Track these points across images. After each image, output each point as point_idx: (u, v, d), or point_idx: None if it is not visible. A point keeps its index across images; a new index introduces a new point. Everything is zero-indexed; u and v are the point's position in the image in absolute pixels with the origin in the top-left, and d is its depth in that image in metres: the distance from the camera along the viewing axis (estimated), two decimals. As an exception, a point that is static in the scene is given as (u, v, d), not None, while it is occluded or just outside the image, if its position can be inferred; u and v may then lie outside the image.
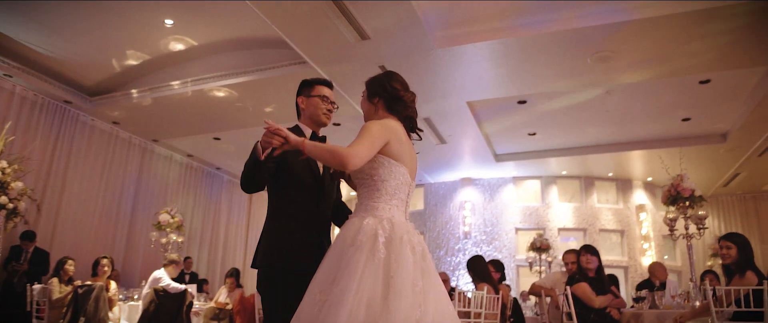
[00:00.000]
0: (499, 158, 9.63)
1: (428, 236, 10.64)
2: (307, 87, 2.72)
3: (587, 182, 10.59)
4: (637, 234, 10.37)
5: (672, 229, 4.96)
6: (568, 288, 4.13)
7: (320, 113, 2.61)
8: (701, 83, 6.82)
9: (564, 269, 5.05)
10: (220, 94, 6.90)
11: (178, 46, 6.76)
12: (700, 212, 4.73)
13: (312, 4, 4.95)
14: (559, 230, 10.14)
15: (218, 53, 6.69)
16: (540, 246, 8.11)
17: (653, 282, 5.67)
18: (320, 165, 2.54)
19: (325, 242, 2.51)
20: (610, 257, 10.01)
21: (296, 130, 2.63)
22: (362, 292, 1.83)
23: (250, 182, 2.34)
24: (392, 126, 2.15)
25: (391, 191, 2.13)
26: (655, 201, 10.91)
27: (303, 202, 2.46)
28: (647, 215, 10.50)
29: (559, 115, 7.96)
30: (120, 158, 8.25)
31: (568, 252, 4.91)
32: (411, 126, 2.28)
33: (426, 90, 6.75)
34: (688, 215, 4.80)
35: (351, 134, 7.65)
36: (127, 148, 8.40)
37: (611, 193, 10.74)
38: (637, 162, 9.99)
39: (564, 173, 10.49)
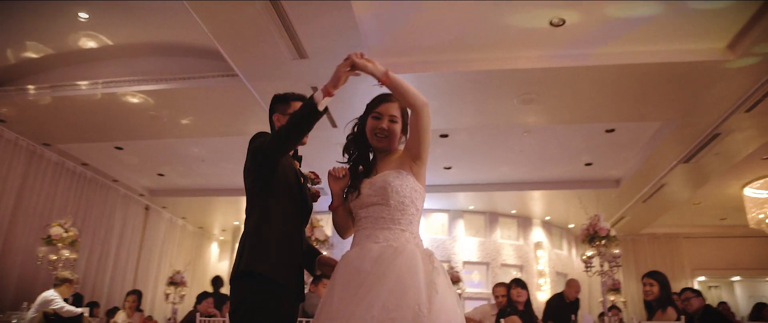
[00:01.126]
0: (412, 189, 9.73)
1: (336, 264, 10.44)
2: (282, 103, 2.58)
3: (492, 218, 11.01)
4: (534, 270, 10.91)
5: (588, 266, 5.25)
6: (502, 320, 4.20)
7: None
8: (607, 131, 7.40)
9: (493, 301, 5.14)
10: (134, 100, 6.37)
11: (90, 44, 6.19)
12: (614, 251, 5.05)
13: (254, 14, 4.74)
14: (464, 263, 10.40)
15: (137, 56, 6.21)
16: (451, 279, 8.24)
17: (567, 296, 5.97)
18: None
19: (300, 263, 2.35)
20: (509, 291, 10.41)
21: (258, 134, 2.48)
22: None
23: (297, 136, 2.16)
24: None
25: (419, 219, 2.14)
26: (552, 239, 11.59)
27: (292, 213, 2.34)
28: (544, 252, 11.09)
29: (476, 151, 8.24)
30: (1, 160, 7.30)
31: (498, 286, 5.03)
32: None
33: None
34: (601, 253, 5.11)
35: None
36: (11, 150, 7.45)
37: (513, 229, 11.26)
38: (538, 201, 10.58)
39: (471, 208, 10.84)
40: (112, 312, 7.09)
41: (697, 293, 4.69)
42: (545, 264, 10.98)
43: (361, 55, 2.07)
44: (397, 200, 2.02)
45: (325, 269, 2.45)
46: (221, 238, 13.24)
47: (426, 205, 8.99)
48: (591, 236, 5.13)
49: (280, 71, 5.68)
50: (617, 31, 5.16)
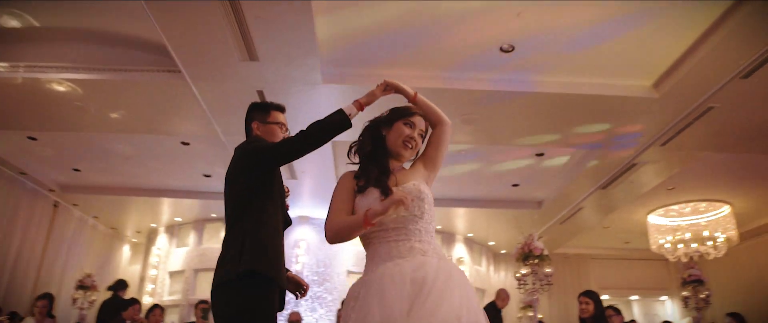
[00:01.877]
0: (343, 200, 9.70)
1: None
2: (261, 112, 2.63)
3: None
4: (455, 285, 11.17)
5: (522, 284, 5.47)
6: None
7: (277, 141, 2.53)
8: (537, 155, 7.79)
9: None
10: (61, 88, 5.91)
11: (13, 23, 5.68)
12: (546, 270, 5.31)
13: (209, 10, 4.57)
14: (389, 276, 10.47)
15: (68, 41, 5.76)
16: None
17: (497, 304, 6.20)
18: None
19: None
20: (431, 305, 10.59)
21: (253, 138, 2.59)
22: None
23: (319, 143, 2.27)
24: None
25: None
26: (473, 255, 11.95)
27: (279, 216, 2.41)
28: (465, 267, 11.41)
29: (411, 166, 8.36)
30: None
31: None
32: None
33: (297, 123, 6.55)
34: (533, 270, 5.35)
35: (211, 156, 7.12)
36: None
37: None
38: (462, 218, 10.88)
39: (399, 221, 10.94)
40: (14, 316, 6.47)
41: (618, 311, 5.02)
42: (466, 280, 11.29)
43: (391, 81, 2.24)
44: (430, 213, 2.03)
45: (290, 286, 2.45)
46: (134, 240, 12.51)
47: None
48: (525, 255, 5.36)
49: (226, 72, 5.50)
50: (560, 61, 5.46)
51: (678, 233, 9.51)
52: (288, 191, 2.61)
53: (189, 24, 4.76)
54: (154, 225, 11.48)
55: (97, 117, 6.57)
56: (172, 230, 11.27)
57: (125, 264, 12.24)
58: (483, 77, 5.73)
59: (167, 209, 10.52)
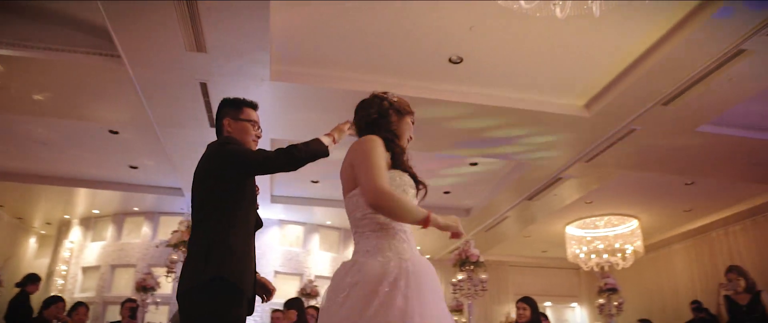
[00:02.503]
0: (274, 199, 9.57)
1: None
2: (233, 108, 2.54)
3: (346, 235, 11.21)
4: (381, 288, 11.30)
5: (457, 289, 5.64)
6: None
7: (249, 139, 2.50)
8: (471, 164, 8.05)
9: None
10: (-21, 64, 5.44)
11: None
12: (482, 276, 5.51)
13: (161, -5, 4.39)
14: (316, 277, 10.40)
15: (-8, 14, 5.31)
16: (310, 292, 8.22)
17: None
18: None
19: None
20: (357, 307, 10.64)
21: (225, 138, 2.49)
22: None
23: (300, 165, 2.27)
24: None
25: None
26: (398, 259, 12.13)
27: (250, 221, 2.35)
28: (391, 271, 11.57)
29: (348, 168, 8.38)
30: None
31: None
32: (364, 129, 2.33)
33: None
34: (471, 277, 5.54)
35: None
36: None
37: (365, 247, 11.55)
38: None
39: (328, 223, 10.93)
40: None
41: (546, 316, 5.30)
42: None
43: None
44: None
45: (258, 290, 2.40)
46: (42, 232, 11.65)
47: (283, 216, 8.96)
48: (462, 261, 5.53)
49: (169, 61, 5.29)
50: (504, 76, 5.70)
51: (592, 244, 10.15)
52: (258, 189, 2.56)
53: (136, 8, 4.54)
54: (67, 217, 10.75)
55: (18, 97, 6.10)
56: (88, 222, 10.60)
57: (31, 257, 11.37)
58: (429, 86, 5.86)
59: (83, 200, 9.89)
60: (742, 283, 4.79)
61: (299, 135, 6.86)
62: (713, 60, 5.01)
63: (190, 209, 2.38)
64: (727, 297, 4.87)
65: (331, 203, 9.68)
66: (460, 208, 10.15)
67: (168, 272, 5.53)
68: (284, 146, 2.27)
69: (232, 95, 5.83)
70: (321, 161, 8.73)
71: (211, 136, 7.06)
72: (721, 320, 5.02)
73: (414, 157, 7.01)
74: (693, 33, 4.71)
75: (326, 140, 2.39)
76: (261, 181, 8.26)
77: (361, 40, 5.25)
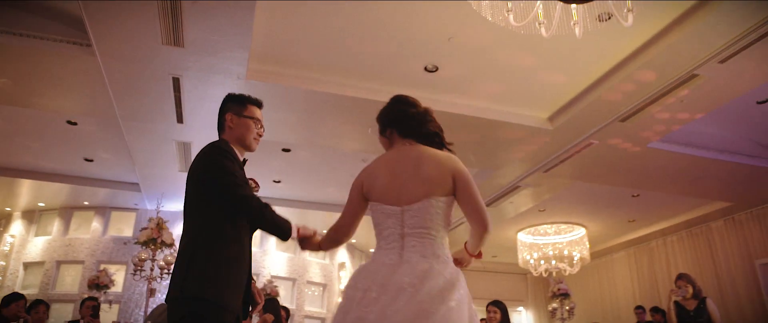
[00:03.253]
0: (235, 197, 9.44)
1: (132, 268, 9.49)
2: (237, 104, 2.49)
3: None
4: (336, 289, 11.34)
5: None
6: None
7: (251, 137, 2.46)
8: (433, 170, 8.24)
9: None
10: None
11: None
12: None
13: (143, -12, 4.33)
14: (272, 277, 10.33)
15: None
16: (270, 293, 8.16)
17: None
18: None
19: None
20: (311, 308, 10.65)
21: (225, 145, 2.37)
22: None
23: (259, 224, 2.26)
24: (371, 165, 2.29)
25: (380, 235, 2.17)
26: (353, 261, 12.21)
27: (245, 234, 2.28)
28: (346, 272, 11.63)
29: (312, 170, 8.41)
30: None
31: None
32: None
33: (212, 115, 6.36)
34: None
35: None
36: None
37: (322, 248, 11.57)
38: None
39: (288, 222, 10.88)
40: None
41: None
42: (340, 283, 11.54)
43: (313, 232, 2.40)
44: None
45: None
46: (-22, 225, 11.00)
47: None
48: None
49: (144, 53, 5.19)
50: (477, 86, 5.90)
51: (543, 251, 10.57)
52: (257, 185, 2.58)
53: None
54: (8, 209, 10.21)
55: (-28, 83, 5.81)
56: (32, 216, 10.12)
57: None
58: (402, 92, 5.97)
59: (27, 191, 9.44)
60: (690, 290, 5.18)
61: (270, 134, 6.84)
62: (669, 83, 5.38)
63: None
64: (676, 303, 5.25)
65: (291, 203, 9.66)
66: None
67: (136, 270, 5.38)
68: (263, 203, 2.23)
69: (204, 90, 5.85)
70: (287, 160, 8.80)
71: (177, 132, 6.98)
72: (669, 324, 5.40)
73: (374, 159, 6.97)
74: (654, 57, 5.05)
75: (294, 234, 2.33)
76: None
77: (340, 45, 5.31)
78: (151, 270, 5.32)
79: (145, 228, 5.52)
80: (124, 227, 9.90)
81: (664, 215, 9.99)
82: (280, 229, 2.26)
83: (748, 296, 8.65)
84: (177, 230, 9.50)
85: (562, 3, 3.34)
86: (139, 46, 5.08)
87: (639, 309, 8.46)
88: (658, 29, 4.87)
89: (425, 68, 5.62)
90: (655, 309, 7.76)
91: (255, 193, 2.65)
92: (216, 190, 2.19)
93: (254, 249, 10.04)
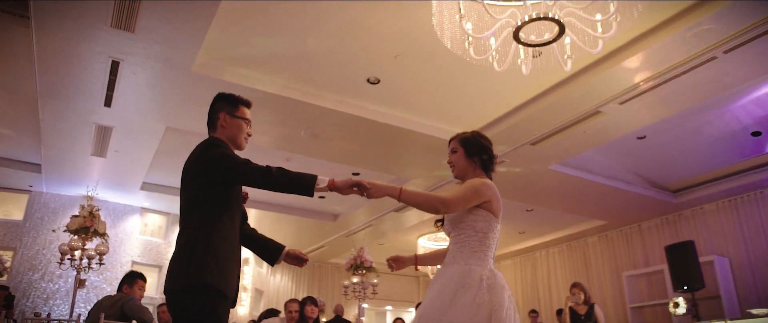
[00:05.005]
0: (144, 186, 9.14)
1: (22, 254, 8.81)
2: (229, 104, 2.61)
3: (210, 229, 11.01)
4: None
5: (347, 292, 6.09)
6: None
7: (242, 136, 2.59)
8: (353, 174, 8.59)
9: (283, 315, 5.45)
10: None
11: None
12: (374, 280, 6.05)
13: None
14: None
15: None
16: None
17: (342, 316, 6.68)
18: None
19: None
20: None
21: (215, 139, 2.51)
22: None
23: (277, 189, 2.25)
24: (494, 187, 2.51)
25: (489, 244, 2.49)
26: (259, 259, 12.18)
27: (236, 222, 2.42)
28: (249, 268, 11.60)
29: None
30: None
31: (290, 301, 5.38)
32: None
33: (144, 101, 6.24)
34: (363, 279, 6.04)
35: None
36: None
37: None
38: (259, 221, 11.08)
39: (194, 215, 10.65)
40: None
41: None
42: (249, 281, 11.48)
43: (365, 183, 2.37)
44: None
45: (289, 260, 2.63)
46: None
47: (146, 204, 8.99)
48: (356, 266, 6.02)
49: (85, 33, 5.04)
50: (414, 101, 6.35)
51: (442, 256, 11.30)
52: (247, 195, 2.69)
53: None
54: None
55: None
56: None
57: None
58: (343, 100, 6.29)
59: None
60: (582, 297, 6.01)
61: (197, 126, 6.78)
62: (578, 115, 6.19)
63: (179, 208, 2.43)
64: (570, 308, 6.05)
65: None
66: (330, 213, 10.63)
67: (63, 258, 5.08)
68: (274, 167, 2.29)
69: (144, 77, 5.77)
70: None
71: (102, 115, 6.78)
72: (563, 326, 6.21)
73: (304, 160, 7.51)
74: (568, 92, 5.81)
75: (321, 183, 2.32)
76: (140, 166, 7.93)
77: (290, 49, 5.47)
78: (81, 260, 5.06)
79: (76, 216, 5.25)
80: (14, 209, 9.16)
81: (549, 229, 11.14)
82: (301, 184, 2.28)
83: (615, 303, 9.96)
84: (67, 216, 8.99)
85: (516, 43, 3.85)
86: (83, 26, 4.93)
87: (533, 313, 9.40)
88: (578, 69, 5.59)
89: (368, 80, 5.96)
90: (559, 310, 8.74)
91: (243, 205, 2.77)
92: (221, 173, 2.28)
93: (157, 239, 9.81)
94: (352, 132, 6.85)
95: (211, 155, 2.36)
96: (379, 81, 5.98)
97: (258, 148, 7.68)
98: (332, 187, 2.35)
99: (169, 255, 9.69)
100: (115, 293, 4.66)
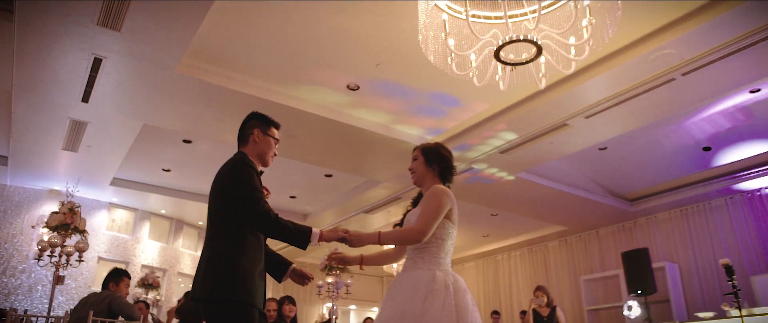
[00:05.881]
0: (114, 181, 9.05)
1: (-18, 247, 8.62)
2: (262, 123, 2.83)
3: (178, 226, 10.96)
4: (205, 282, 11.27)
5: (321, 292, 6.25)
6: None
7: (270, 154, 2.82)
8: (326, 175, 8.77)
9: None
10: None
11: None
12: (347, 280, 6.22)
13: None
14: (142, 266, 10.02)
15: None
16: (152, 283, 8.00)
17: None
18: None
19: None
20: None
21: (245, 157, 2.68)
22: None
23: (273, 237, 2.43)
24: (452, 195, 2.66)
25: (447, 249, 2.66)
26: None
27: (260, 236, 2.57)
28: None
29: (209, 162, 8.42)
30: None
31: (269, 300, 5.49)
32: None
33: (124, 99, 6.24)
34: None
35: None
36: None
37: (194, 240, 11.40)
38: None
39: (163, 211, 10.59)
40: None
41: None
42: (216, 278, 11.49)
43: (349, 233, 2.56)
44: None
45: (294, 277, 2.80)
46: None
47: (115, 199, 9.01)
48: (330, 266, 6.18)
49: (72, 31, 5.05)
50: (385, 106, 6.55)
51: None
52: (268, 192, 2.83)
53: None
54: None
55: None
56: None
57: None
58: (323, 105, 6.45)
59: None
60: (545, 299, 6.35)
61: (177, 124, 6.82)
62: (546, 127, 6.53)
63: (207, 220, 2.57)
64: (534, 310, 6.38)
65: (177, 193, 9.52)
66: (300, 213, 10.75)
67: (41, 253, 5.04)
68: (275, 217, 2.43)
69: (126, 75, 5.78)
70: (186, 150, 8.82)
71: (78, 110, 6.74)
72: (527, 326, 6.54)
73: (280, 161, 7.68)
74: (537, 106, 6.12)
75: (314, 239, 2.46)
76: (113, 161, 7.87)
77: (273, 53, 5.58)
78: (60, 256, 5.04)
79: (55, 212, 5.22)
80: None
81: (512, 234, 11.55)
82: (295, 239, 2.44)
83: (572, 306, 10.42)
84: (40, 210, 8.84)
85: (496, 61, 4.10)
86: (68, 23, 4.93)
87: (495, 314, 9.75)
88: (548, 84, 5.89)
89: (348, 86, 6.14)
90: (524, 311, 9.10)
91: (266, 199, 2.90)
92: (239, 203, 2.43)
93: (125, 235, 9.75)
94: (329, 135, 7.02)
95: (237, 176, 2.51)
96: (358, 87, 6.17)
97: (232, 146, 7.75)
98: (321, 239, 2.52)
99: (138, 251, 9.71)
100: (98, 290, 4.70)
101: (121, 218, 10.21)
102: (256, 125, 2.78)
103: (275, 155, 2.85)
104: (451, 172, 2.84)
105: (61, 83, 5.95)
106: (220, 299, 2.31)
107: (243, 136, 2.79)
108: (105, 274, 4.83)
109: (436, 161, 2.83)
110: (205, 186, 9.01)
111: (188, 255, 11.08)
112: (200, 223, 11.31)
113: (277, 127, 2.86)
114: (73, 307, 4.82)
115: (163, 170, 8.75)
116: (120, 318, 4.36)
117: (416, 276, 2.55)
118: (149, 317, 7.60)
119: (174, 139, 7.60)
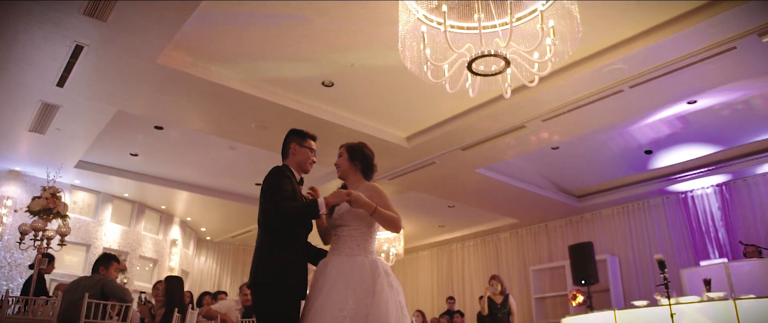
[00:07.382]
0: (80, 164, 9.04)
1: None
2: (299, 137, 3.30)
3: (140, 209, 10.98)
4: (166, 265, 11.35)
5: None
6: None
7: (308, 163, 3.27)
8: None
9: (238, 299, 5.82)
10: None
11: None
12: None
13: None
14: (104, 249, 10.03)
15: None
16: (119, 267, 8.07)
17: None
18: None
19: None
20: (141, 283, 10.55)
21: (286, 169, 3.11)
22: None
23: (294, 224, 2.83)
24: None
25: (374, 237, 3.03)
26: (184, 238, 12.27)
27: (297, 232, 2.96)
28: (177, 249, 11.69)
29: (178, 149, 8.55)
30: None
31: (245, 285, 5.76)
32: None
33: (102, 86, 6.32)
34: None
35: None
36: None
37: (155, 223, 11.45)
38: (185, 202, 11.19)
39: (126, 195, 10.59)
40: None
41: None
42: (176, 261, 11.58)
43: (351, 195, 2.82)
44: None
45: None
46: None
47: (77, 182, 9.27)
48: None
49: (55, 18, 5.12)
50: (360, 104, 6.89)
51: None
52: (316, 191, 3.18)
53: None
54: None
55: None
56: None
57: None
58: (297, 99, 6.73)
59: None
60: (499, 287, 6.87)
61: (150, 111, 6.93)
62: (506, 128, 7.03)
63: None
64: (489, 298, 6.90)
65: (142, 177, 9.56)
66: (251, 196, 10.96)
67: (23, 238, 5.10)
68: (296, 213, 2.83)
69: (107, 63, 5.89)
70: (156, 136, 8.94)
71: (52, 94, 6.81)
72: (482, 312, 7.05)
73: (251, 150, 8.02)
74: (497, 109, 6.60)
75: (321, 205, 2.83)
76: (80, 144, 7.90)
77: (254, 49, 5.80)
78: (42, 240, 5.13)
79: (37, 197, 5.29)
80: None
81: (467, 224, 12.12)
82: (308, 214, 2.87)
83: (520, 294, 11.10)
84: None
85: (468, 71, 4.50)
86: (53, 10, 5.01)
87: (451, 299, 10.31)
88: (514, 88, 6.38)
89: (323, 83, 6.44)
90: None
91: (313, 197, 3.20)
92: (267, 205, 2.86)
93: (86, 218, 9.76)
94: (302, 128, 7.27)
95: (271, 182, 2.96)
96: (333, 84, 6.47)
97: (203, 134, 7.93)
98: (328, 205, 2.86)
99: (99, 234, 9.74)
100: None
101: (83, 200, 10.16)
102: (293, 140, 3.23)
103: (314, 161, 3.27)
104: (372, 169, 3.18)
105: (36, 66, 5.98)
106: (262, 283, 2.77)
107: (284, 151, 3.25)
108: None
109: (358, 158, 3.18)
110: (172, 171, 9.28)
111: (150, 238, 11.13)
112: (162, 207, 11.36)
113: (314, 139, 3.28)
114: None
115: (131, 154, 8.80)
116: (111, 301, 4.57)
117: (359, 262, 2.81)
118: (142, 297, 7.74)
119: (145, 125, 7.70)
